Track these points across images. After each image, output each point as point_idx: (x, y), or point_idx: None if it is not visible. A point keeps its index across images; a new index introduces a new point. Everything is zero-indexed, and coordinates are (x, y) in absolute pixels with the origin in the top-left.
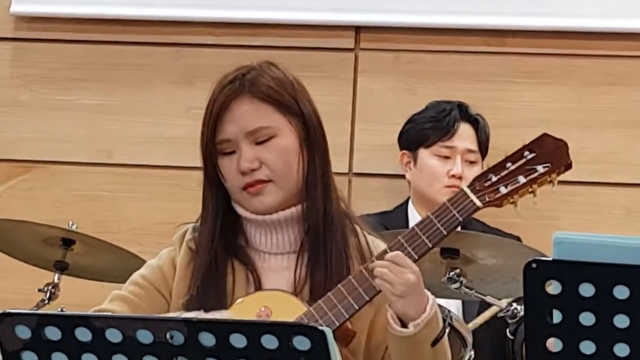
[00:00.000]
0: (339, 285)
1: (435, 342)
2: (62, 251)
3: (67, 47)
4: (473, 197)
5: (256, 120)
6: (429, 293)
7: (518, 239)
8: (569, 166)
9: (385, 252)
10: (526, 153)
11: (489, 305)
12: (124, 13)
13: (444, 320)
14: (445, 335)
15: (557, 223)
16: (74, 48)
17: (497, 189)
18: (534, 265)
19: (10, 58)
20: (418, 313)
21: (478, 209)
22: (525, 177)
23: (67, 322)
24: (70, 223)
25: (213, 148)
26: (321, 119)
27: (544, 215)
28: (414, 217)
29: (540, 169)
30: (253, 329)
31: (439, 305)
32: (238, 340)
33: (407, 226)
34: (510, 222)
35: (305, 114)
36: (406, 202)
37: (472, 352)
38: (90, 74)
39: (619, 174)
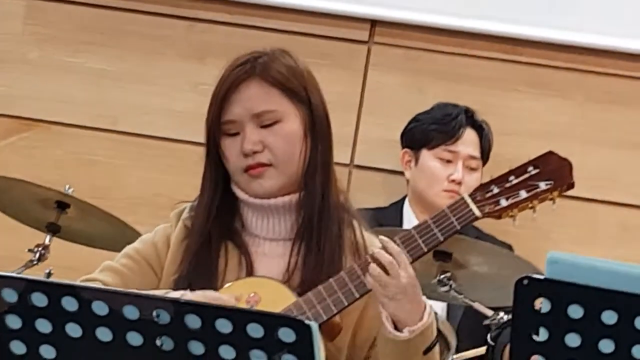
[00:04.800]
0: (331, 280)
1: (428, 350)
2: (56, 213)
3: (81, 9)
4: (473, 206)
5: (263, 103)
6: (425, 299)
7: (510, 247)
8: (571, 186)
9: (380, 250)
10: (530, 168)
11: (475, 310)
12: None
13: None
14: (437, 347)
15: (550, 235)
16: (87, 11)
17: (498, 201)
18: (525, 281)
19: (24, 15)
20: (412, 318)
21: (477, 218)
22: (527, 192)
23: (54, 290)
24: (67, 186)
25: (218, 127)
26: (328, 111)
27: (538, 227)
28: (409, 216)
29: (543, 185)
30: (239, 316)
31: None
32: (224, 326)
33: (401, 224)
34: (504, 230)
35: (313, 103)
36: (402, 200)
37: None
38: (101, 38)
39: (617, 192)
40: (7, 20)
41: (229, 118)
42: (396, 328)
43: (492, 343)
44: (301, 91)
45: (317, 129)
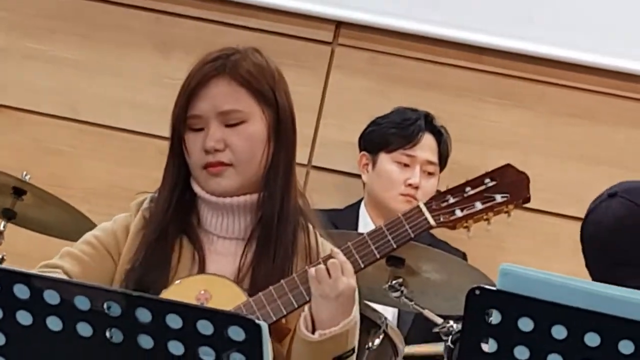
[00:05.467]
0: (282, 281)
1: (338, 358)
2: (12, 200)
3: None
4: (428, 215)
5: (230, 102)
6: (356, 313)
7: (464, 255)
8: (527, 200)
9: (330, 256)
10: (487, 180)
11: (425, 317)
12: None
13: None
14: (353, 358)
15: (504, 245)
16: None
17: (453, 211)
18: (477, 291)
19: None
20: (331, 323)
21: (431, 227)
22: (483, 203)
23: (6, 277)
24: (24, 173)
25: (183, 121)
26: (295, 113)
27: (492, 236)
28: (365, 219)
29: (499, 198)
30: (190, 312)
31: (375, 311)
32: (174, 321)
33: (356, 227)
34: (458, 238)
35: (280, 106)
36: (358, 203)
37: None
38: (67, 26)
39: (573, 207)
40: None
41: (194, 113)
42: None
43: (451, 346)
44: (269, 93)
45: (282, 132)
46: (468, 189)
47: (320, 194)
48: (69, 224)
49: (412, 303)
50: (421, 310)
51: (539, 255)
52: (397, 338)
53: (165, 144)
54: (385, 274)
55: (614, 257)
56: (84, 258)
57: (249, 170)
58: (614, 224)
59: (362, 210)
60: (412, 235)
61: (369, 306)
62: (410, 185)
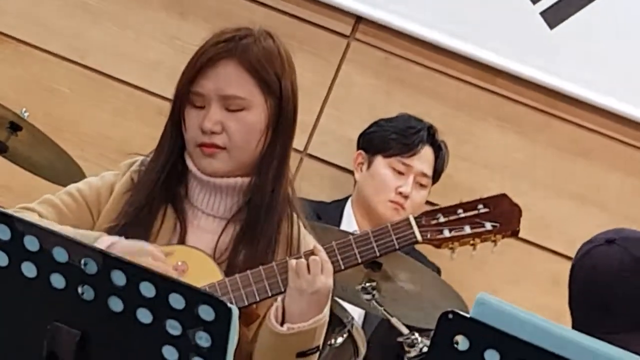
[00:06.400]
0: (260, 267)
1: (302, 354)
2: (6, 134)
3: None
4: (416, 230)
5: (234, 87)
6: (327, 312)
7: (438, 270)
8: (515, 232)
9: (312, 252)
10: (480, 206)
11: (391, 325)
12: None
13: (329, 345)
14: (316, 356)
15: (483, 267)
16: None
17: (442, 230)
18: (450, 315)
19: None
20: (302, 319)
21: (417, 242)
22: (472, 228)
23: None
24: (24, 110)
25: (186, 95)
26: (297, 104)
27: (472, 256)
28: (349, 217)
29: (488, 225)
30: (165, 283)
31: (344, 309)
32: (147, 289)
33: (339, 223)
34: (438, 251)
35: (284, 96)
36: (345, 200)
37: None
38: None
39: (556, 241)
40: None
41: (198, 90)
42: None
43: None
44: (275, 83)
45: (282, 122)
46: (460, 211)
47: (310, 183)
48: (58, 167)
49: (382, 308)
50: (389, 317)
51: (515, 284)
52: (360, 340)
53: (167, 105)
54: (360, 274)
55: (604, 305)
56: (63, 209)
57: (241, 156)
58: (610, 272)
59: (348, 207)
60: (397, 247)
61: (338, 303)
62: (400, 193)
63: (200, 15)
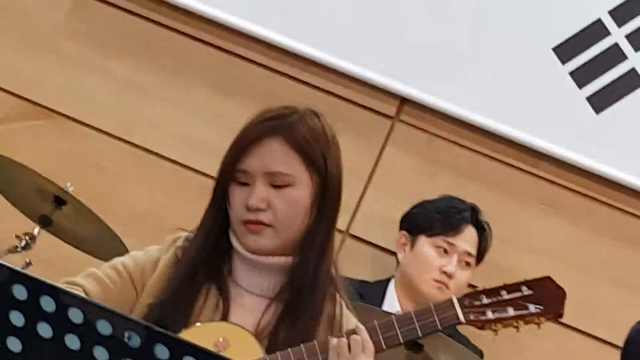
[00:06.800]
0: (302, 345)
1: None
2: (51, 207)
3: (124, 15)
4: (459, 311)
5: (280, 164)
6: None
7: (481, 353)
8: (559, 316)
9: (353, 331)
10: (524, 288)
11: None
12: (190, 4)
13: None
14: None
15: (522, 352)
16: (130, 19)
17: (485, 312)
18: None
19: (69, 9)
20: None
21: (460, 323)
22: (515, 310)
23: (36, 286)
24: (69, 184)
25: (231, 172)
26: (342, 183)
27: (513, 338)
28: (391, 297)
29: (532, 308)
30: (207, 357)
31: None
32: None
33: (381, 303)
34: (478, 333)
35: (329, 175)
36: (388, 280)
37: None
38: (138, 49)
39: (601, 329)
40: (52, 10)
41: (243, 167)
42: None
43: None
44: (320, 160)
45: (326, 200)
46: (504, 292)
47: (352, 263)
48: (102, 242)
49: None
50: None
51: None
52: None
53: (210, 183)
54: (401, 356)
55: None
56: (107, 283)
57: (287, 233)
58: None
59: (391, 288)
60: (439, 327)
61: None
62: (445, 272)
63: (245, 94)
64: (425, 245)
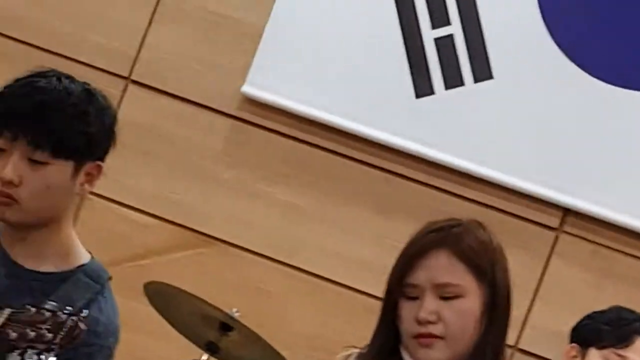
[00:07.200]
0: None
1: None
2: (217, 334)
3: (281, 140)
4: None
5: (448, 275)
6: None
7: None
8: None
9: None
10: None
11: None
12: (344, 124)
13: None
14: None
15: None
16: (288, 143)
17: None
18: None
19: (226, 134)
20: None
21: None
22: None
23: None
24: (235, 310)
25: (399, 288)
26: (512, 292)
27: None
28: None
29: None
30: None
31: None
32: None
33: None
34: None
35: (498, 284)
36: None
37: None
38: (297, 173)
39: None
40: (209, 136)
41: (411, 282)
42: None
43: None
44: (488, 270)
45: (496, 310)
46: None
47: None
48: None
49: None
50: None
51: None
52: None
53: (375, 303)
54: None
55: None
56: None
57: (458, 345)
58: None
59: None
60: None
61: None
62: None
63: (406, 213)
64: (596, 358)
